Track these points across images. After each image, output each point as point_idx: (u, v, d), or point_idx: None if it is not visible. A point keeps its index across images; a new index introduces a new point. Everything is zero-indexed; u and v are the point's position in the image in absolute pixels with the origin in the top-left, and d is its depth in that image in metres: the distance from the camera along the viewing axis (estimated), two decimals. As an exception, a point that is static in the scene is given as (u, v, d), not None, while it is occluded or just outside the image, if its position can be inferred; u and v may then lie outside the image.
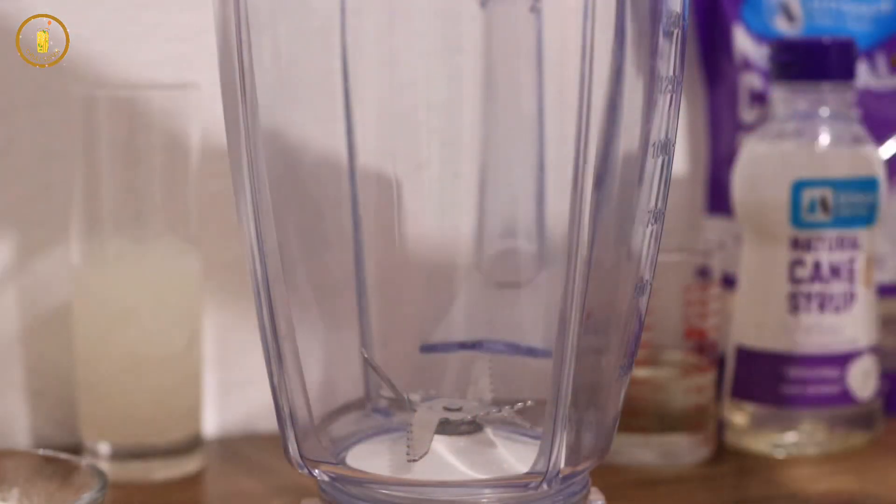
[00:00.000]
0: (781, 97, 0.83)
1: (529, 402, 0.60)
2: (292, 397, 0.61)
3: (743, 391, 0.84)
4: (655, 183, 0.61)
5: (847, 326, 0.83)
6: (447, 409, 0.62)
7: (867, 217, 0.82)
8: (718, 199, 0.93)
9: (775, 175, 0.82)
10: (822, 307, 0.82)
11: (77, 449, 0.78)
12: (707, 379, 0.81)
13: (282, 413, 0.62)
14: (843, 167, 0.82)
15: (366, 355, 0.65)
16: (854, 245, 0.82)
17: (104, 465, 0.76)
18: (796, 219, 0.82)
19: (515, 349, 0.65)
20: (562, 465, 0.59)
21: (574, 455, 0.60)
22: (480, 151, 0.66)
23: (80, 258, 0.78)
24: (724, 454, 0.82)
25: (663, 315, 0.80)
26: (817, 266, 0.82)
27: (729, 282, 0.86)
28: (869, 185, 0.82)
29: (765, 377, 0.83)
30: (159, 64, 0.83)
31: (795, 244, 0.82)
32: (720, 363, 0.84)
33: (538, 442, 0.59)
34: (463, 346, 0.65)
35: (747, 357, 0.84)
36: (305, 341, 0.62)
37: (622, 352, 0.62)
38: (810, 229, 0.82)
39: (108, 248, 0.77)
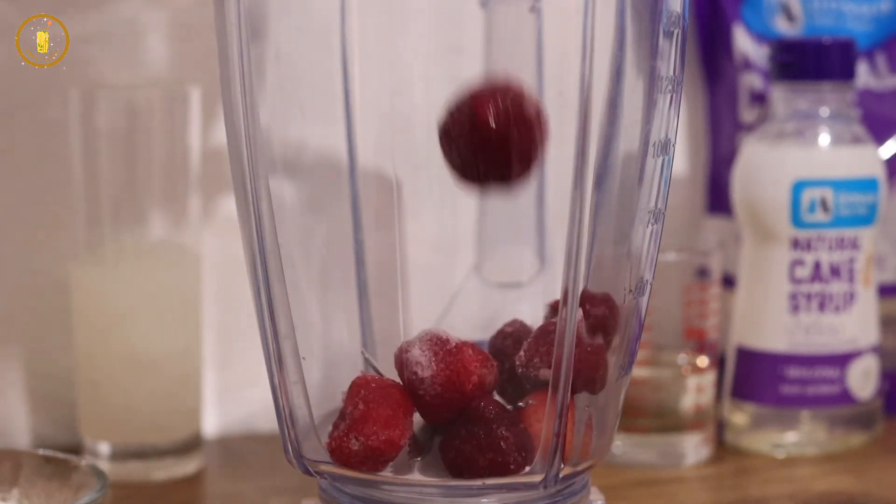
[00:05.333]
0: (781, 97, 0.83)
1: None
2: (292, 397, 0.61)
3: (743, 391, 0.84)
4: (655, 183, 0.61)
5: (847, 326, 0.83)
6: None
7: (867, 217, 0.82)
8: (718, 199, 0.93)
9: (775, 175, 0.82)
10: (822, 307, 0.82)
11: (77, 449, 0.78)
12: (707, 379, 0.81)
13: (282, 413, 0.62)
14: (843, 167, 0.82)
15: (366, 355, 0.65)
16: (854, 245, 0.82)
17: (104, 465, 0.76)
18: (796, 219, 0.82)
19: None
20: (562, 465, 0.59)
21: (574, 455, 0.60)
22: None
23: (81, 259, 0.78)
24: (724, 454, 0.82)
25: (663, 315, 0.80)
26: (817, 266, 0.82)
27: (729, 282, 0.86)
28: (869, 185, 0.82)
29: (765, 377, 0.83)
30: (159, 64, 0.83)
31: (795, 244, 0.82)
32: (720, 363, 0.84)
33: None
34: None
35: (747, 357, 0.84)
36: (305, 341, 0.62)
37: (622, 352, 0.62)
38: (810, 229, 0.82)
39: (108, 248, 0.77)
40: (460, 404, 0.59)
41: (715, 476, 0.80)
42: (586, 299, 0.59)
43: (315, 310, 0.64)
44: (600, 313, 0.60)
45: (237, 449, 0.83)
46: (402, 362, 0.60)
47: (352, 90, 0.62)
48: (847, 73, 0.83)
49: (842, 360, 0.83)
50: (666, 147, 0.62)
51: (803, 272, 0.82)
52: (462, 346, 0.59)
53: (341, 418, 0.60)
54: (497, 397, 0.61)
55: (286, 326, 0.61)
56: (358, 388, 0.59)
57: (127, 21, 0.83)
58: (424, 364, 0.59)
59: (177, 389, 0.78)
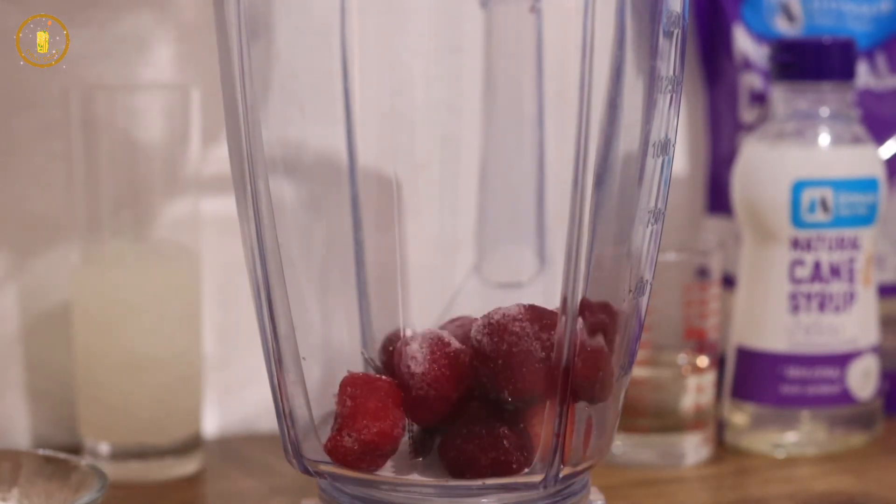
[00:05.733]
0: (781, 97, 0.83)
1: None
2: (292, 397, 0.61)
3: (743, 391, 0.84)
4: (655, 183, 0.61)
5: (847, 326, 0.83)
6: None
7: (867, 217, 0.82)
8: (718, 199, 0.93)
9: (775, 175, 0.82)
10: (822, 307, 0.82)
11: (77, 449, 0.78)
12: (707, 379, 0.81)
13: (282, 413, 0.62)
14: (843, 167, 0.82)
15: (366, 355, 0.65)
16: (854, 245, 0.82)
17: (104, 465, 0.76)
18: (796, 219, 0.82)
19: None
20: (562, 465, 0.59)
21: (574, 455, 0.60)
22: (480, 151, 0.66)
23: (80, 258, 0.78)
24: (724, 454, 0.82)
25: (663, 315, 0.80)
26: (817, 266, 0.82)
27: (729, 282, 0.86)
28: (869, 185, 0.82)
29: (765, 377, 0.83)
30: (159, 64, 0.83)
31: (795, 244, 0.82)
32: (720, 363, 0.84)
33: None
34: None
35: (747, 357, 0.84)
36: (305, 341, 0.62)
37: (622, 352, 0.62)
38: (810, 229, 0.82)
39: (108, 248, 0.77)
40: (444, 407, 0.59)
41: (715, 476, 0.80)
42: (584, 308, 0.59)
43: (315, 310, 0.64)
44: (599, 320, 0.60)
45: (237, 449, 0.83)
46: (400, 353, 0.60)
47: (352, 90, 0.62)
48: (847, 73, 0.83)
49: (842, 360, 0.83)
50: (666, 147, 0.62)
51: (803, 272, 0.82)
52: (461, 352, 0.59)
53: (334, 419, 0.60)
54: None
55: (286, 326, 0.61)
56: (345, 387, 0.59)
57: (127, 21, 0.83)
58: (419, 359, 0.59)
59: (177, 389, 0.78)
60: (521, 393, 0.58)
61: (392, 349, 0.61)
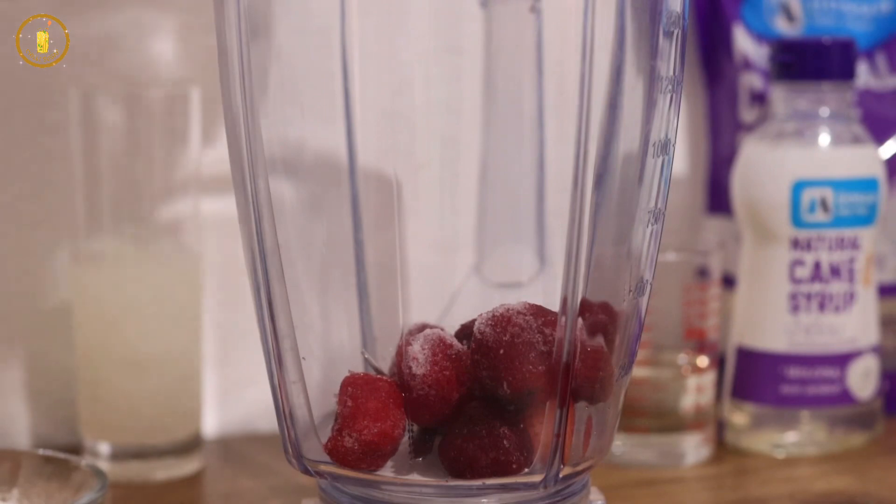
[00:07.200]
0: (781, 97, 0.83)
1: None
2: (292, 397, 0.61)
3: (743, 391, 0.84)
4: (655, 183, 0.61)
5: (847, 326, 0.83)
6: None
7: (867, 217, 0.82)
8: (718, 199, 0.93)
9: (775, 175, 0.82)
10: (822, 307, 0.82)
11: (77, 449, 0.78)
12: (707, 379, 0.81)
13: (282, 413, 0.62)
14: (843, 167, 0.82)
15: (366, 355, 0.65)
16: (854, 245, 0.82)
17: (104, 465, 0.76)
18: (796, 219, 0.82)
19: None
20: (562, 465, 0.59)
21: (574, 455, 0.60)
22: (480, 151, 0.66)
23: (80, 258, 0.78)
24: (724, 454, 0.82)
25: (663, 315, 0.80)
26: (817, 266, 0.82)
27: (729, 282, 0.86)
28: (869, 185, 0.82)
29: (765, 377, 0.83)
30: (160, 64, 0.83)
31: (795, 244, 0.82)
32: (720, 363, 0.84)
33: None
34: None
35: (747, 357, 0.84)
36: (305, 341, 0.62)
37: (622, 352, 0.62)
38: (810, 229, 0.82)
39: (108, 248, 0.77)
40: (445, 409, 0.59)
41: (715, 476, 0.80)
42: (584, 308, 0.59)
43: (315, 310, 0.64)
44: (599, 320, 0.60)
45: (237, 449, 0.83)
46: (401, 353, 0.60)
47: (352, 90, 0.63)
48: (847, 73, 0.83)
49: (842, 360, 0.83)
50: (666, 147, 0.62)
51: (803, 272, 0.82)
52: (462, 355, 0.60)
53: (335, 420, 0.60)
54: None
55: (286, 326, 0.61)
56: (346, 387, 0.59)
57: (127, 21, 0.83)
58: (421, 361, 0.59)
59: (177, 389, 0.78)
60: (520, 384, 0.58)
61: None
